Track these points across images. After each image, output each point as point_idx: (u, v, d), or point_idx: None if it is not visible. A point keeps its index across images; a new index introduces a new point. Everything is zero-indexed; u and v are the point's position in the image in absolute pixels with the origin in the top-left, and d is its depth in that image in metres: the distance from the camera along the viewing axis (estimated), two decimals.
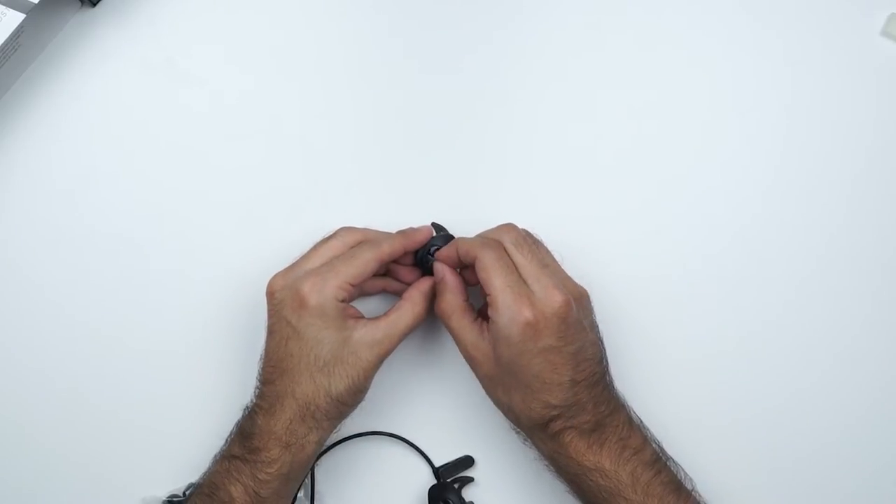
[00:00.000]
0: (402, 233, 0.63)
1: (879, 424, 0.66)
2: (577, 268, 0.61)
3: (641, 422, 0.59)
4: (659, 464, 0.57)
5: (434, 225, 0.64)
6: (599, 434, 0.56)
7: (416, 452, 0.65)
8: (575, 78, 0.71)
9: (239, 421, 0.60)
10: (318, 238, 0.63)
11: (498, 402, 0.59)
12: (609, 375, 0.59)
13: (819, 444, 0.65)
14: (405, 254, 0.62)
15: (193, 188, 0.69)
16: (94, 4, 0.71)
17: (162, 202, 0.69)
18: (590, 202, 0.69)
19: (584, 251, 0.65)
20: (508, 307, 0.55)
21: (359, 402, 0.59)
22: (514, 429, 0.60)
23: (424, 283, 0.62)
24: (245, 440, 0.57)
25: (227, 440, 0.60)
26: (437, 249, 0.62)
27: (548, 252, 0.61)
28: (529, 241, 0.59)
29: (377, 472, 0.65)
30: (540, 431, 0.57)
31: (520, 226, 0.61)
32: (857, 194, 0.69)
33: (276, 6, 0.73)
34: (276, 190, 0.69)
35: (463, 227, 0.66)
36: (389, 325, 0.59)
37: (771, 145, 0.70)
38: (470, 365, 0.59)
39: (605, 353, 0.59)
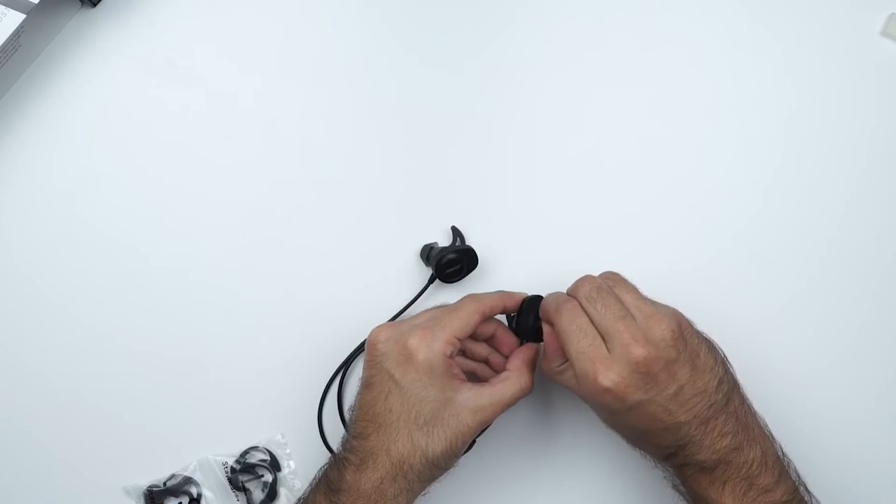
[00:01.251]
0: (500, 292, 0.60)
1: (880, 423, 0.66)
2: (581, 271, 0.60)
3: (784, 455, 0.56)
4: None
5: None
6: (723, 471, 0.54)
7: None
8: (574, 79, 0.71)
9: (325, 468, 0.58)
10: (324, 239, 0.62)
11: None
12: (737, 401, 0.55)
13: (819, 444, 0.65)
14: (501, 311, 0.60)
15: (193, 188, 0.69)
16: (94, 4, 0.71)
17: (162, 202, 0.69)
18: (589, 203, 0.69)
19: (583, 254, 0.66)
20: (584, 376, 0.53)
21: (451, 466, 0.57)
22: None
23: (528, 352, 0.59)
24: (332, 494, 0.55)
25: (310, 484, 0.58)
26: (535, 318, 0.59)
27: (629, 291, 0.56)
28: (604, 292, 0.55)
29: None
30: (663, 462, 0.57)
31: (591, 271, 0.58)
32: (857, 194, 0.69)
33: (276, 6, 0.73)
34: (276, 189, 0.69)
35: (464, 228, 0.66)
36: (495, 394, 0.56)
37: (771, 145, 0.70)
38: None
39: (728, 376, 0.55)
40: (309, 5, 0.73)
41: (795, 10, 0.72)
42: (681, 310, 0.56)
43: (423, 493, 0.57)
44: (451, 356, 0.56)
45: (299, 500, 0.58)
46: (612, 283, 0.56)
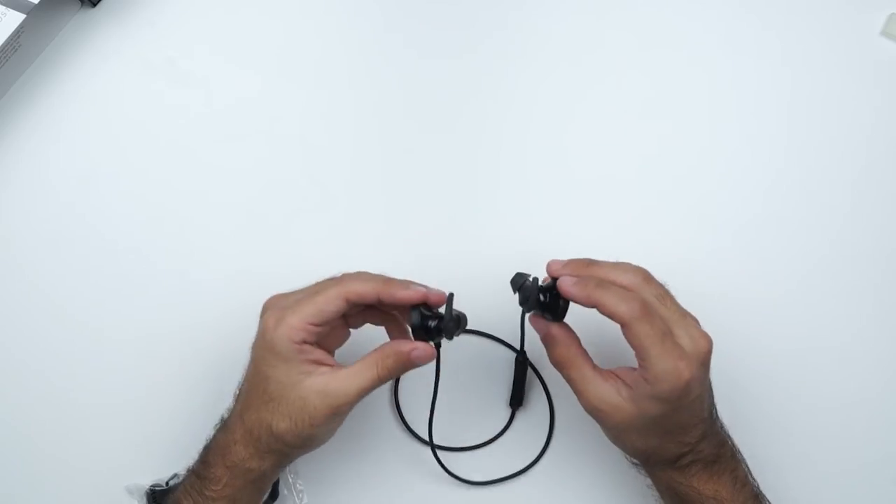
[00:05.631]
0: (386, 280, 0.56)
1: (880, 422, 0.66)
2: None
3: (739, 451, 0.58)
4: (760, 497, 0.57)
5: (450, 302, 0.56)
6: (718, 465, 0.55)
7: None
8: (575, 77, 0.72)
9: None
10: (325, 239, 0.62)
11: (628, 447, 0.56)
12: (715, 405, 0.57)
13: (819, 442, 0.65)
14: (380, 301, 0.55)
15: (193, 188, 0.69)
16: (94, 4, 0.71)
17: (162, 202, 0.69)
18: (588, 200, 0.69)
19: (582, 251, 0.65)
20: (670, 371, 0.51)
21: (306, 445, 0.56)
22: (630, 461, 0.58)
23: (397, 346, 0.55)
24: (203, 453, 0.57)
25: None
26: (437, 326, 0.55)
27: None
28: (665, 289, 0.55)
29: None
30: (668, 467, 0.56)
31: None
32: (857, 193, 0.69)
33: (276, 6, 0.73)
34: (276, 190, 0.69)
35: (462, 227, 0.66)
36: (346, 380, 0.54)
37: (772, 145, 0.70)
38: (594, 416, 0.55)
39: None
40: (309, 5, 0.73)
41: (796, 10, 0.73)
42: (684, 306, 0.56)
43: (282, 467, 0.57)
44: (301, 342, 0.54)
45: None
46: (664, 286, 0.55)
